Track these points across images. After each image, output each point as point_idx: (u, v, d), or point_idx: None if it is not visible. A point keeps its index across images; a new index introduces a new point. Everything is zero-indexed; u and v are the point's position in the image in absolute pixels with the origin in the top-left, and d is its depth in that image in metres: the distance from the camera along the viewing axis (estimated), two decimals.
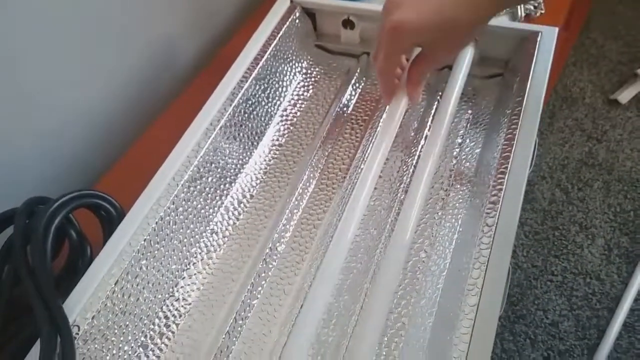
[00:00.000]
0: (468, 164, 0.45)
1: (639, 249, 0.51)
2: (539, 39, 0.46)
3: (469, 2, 0.36)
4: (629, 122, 0.64)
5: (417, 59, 0.40)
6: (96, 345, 0.35)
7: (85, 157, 0.51)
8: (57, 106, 0.46)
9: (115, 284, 0.35)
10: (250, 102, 0.47)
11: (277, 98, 0.51)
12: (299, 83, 0.53)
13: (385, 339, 0.37)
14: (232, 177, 0.46)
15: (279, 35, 0.50)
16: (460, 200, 0.42)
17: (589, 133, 0.62)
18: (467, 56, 0.43)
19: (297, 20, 0.52)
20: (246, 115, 0.47)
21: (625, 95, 0.66)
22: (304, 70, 0.54)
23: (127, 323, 0.37)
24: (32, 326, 0.35)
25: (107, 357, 0.35)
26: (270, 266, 0.41)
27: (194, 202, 0.42)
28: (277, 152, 0.49)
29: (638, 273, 0.50)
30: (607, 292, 0.48)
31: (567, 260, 0.51)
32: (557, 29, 0.46)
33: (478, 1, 0.36)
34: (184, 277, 0.41)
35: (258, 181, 0.47)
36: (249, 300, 0.39)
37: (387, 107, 0.50)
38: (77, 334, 0.33)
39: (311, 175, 0.46)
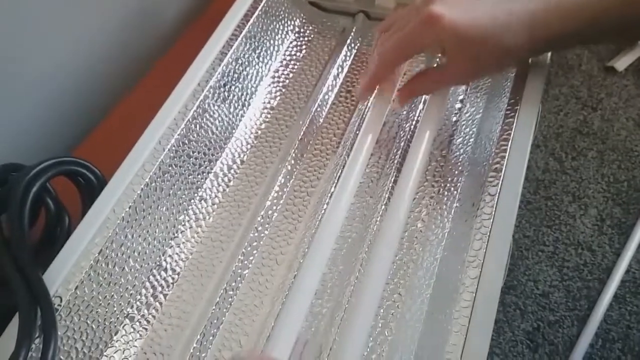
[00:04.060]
0: (468, 129, 0.43)
1: (632, 219, 0.50)
2: None
3: (524, 23, 0.31)
4: (625, 90, 0.63)
5: (431, 71, 0.35)
6: (80, 317, 0.33)
7: (62, 122, 0.48)
8: (30, 67, 0.43)
9: (99, 253, 0.34)
10: (240, 62, 0.45)
11: (268, 58, 0.48)
12: (291, 42, 0.51)
13: (382, 310, 0.36)
14: (222, 142, 0.44)
15: None
16: (460, 168, 0.41)
17: (584, 101, 0.61)
18: None
19: None
20: (236, 75, 0.44)
21: (621, 63, 0.64)
22: (297, 29, 0.52)
23: (113, 294, 0.35)
24: (11, 298, 0.33)
25: (92, 329, 0.34)
26: (262, 235, 0.39)
27: (182, 168, 0.40)
28: (269, 116, 0.46)
29: (630, 244, 0.49)
30: (599, 263, 0.47)
31: (559, 231, 0.50)
32: None
33: (533, 24, 0.31)
34: (172, 246, 0.39)
35: (249, 146, 0.45)
36: (239, 270, 0.38)
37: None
38: (60, 305, 0.32)
39: (304, 140, 0.44)
